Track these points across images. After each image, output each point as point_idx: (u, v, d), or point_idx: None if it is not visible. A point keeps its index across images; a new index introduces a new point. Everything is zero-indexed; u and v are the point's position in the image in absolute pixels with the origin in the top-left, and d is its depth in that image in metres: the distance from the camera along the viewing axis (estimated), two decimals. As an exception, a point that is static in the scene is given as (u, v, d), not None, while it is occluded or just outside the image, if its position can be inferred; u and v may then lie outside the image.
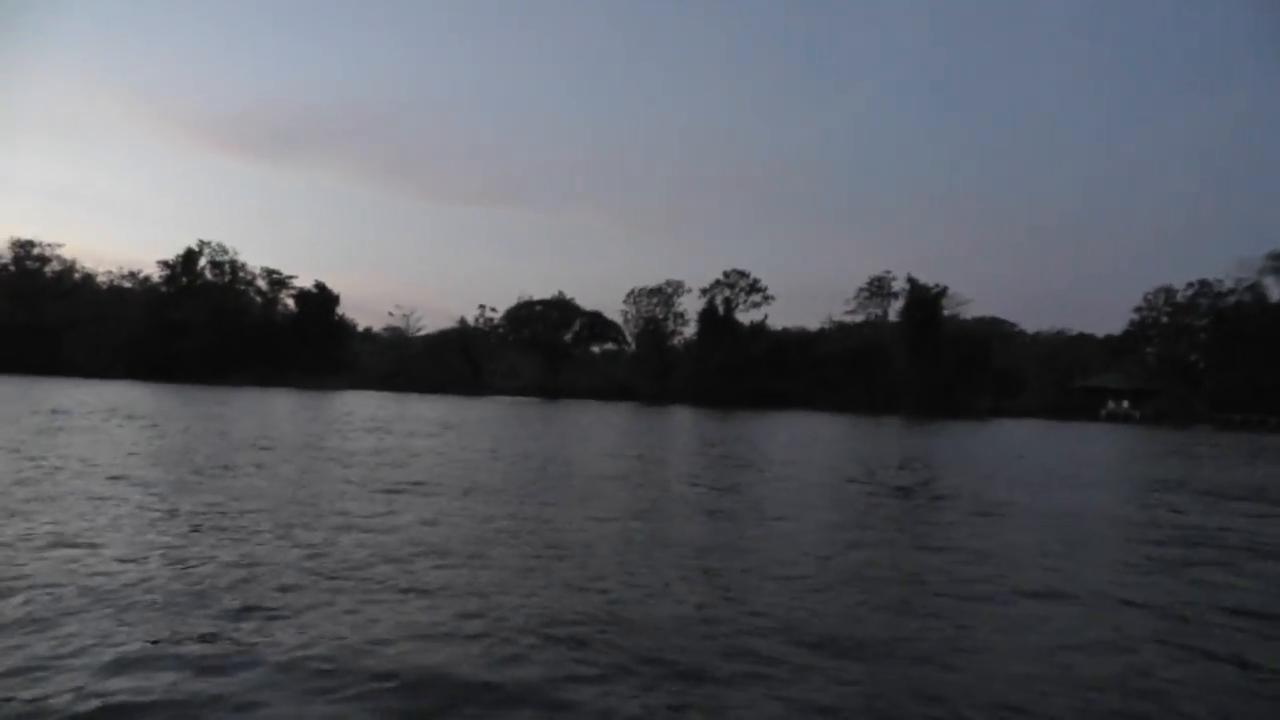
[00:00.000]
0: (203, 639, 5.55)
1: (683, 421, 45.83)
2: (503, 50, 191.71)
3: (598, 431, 31.96)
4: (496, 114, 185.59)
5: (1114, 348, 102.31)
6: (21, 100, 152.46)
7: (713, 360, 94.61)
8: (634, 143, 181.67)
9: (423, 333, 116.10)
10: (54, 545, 8.03)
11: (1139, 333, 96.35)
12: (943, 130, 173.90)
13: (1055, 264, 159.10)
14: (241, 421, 27.28)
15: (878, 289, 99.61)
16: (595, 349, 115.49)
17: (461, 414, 42.68)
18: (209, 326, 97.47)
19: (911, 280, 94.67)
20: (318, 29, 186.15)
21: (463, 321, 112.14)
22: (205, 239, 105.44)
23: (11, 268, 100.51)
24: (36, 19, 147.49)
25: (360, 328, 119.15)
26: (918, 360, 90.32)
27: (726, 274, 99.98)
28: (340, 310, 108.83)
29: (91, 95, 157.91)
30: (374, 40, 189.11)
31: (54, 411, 27.63)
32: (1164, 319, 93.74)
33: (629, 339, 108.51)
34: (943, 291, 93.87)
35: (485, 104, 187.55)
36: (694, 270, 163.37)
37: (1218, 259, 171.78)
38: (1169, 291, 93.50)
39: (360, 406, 45.61)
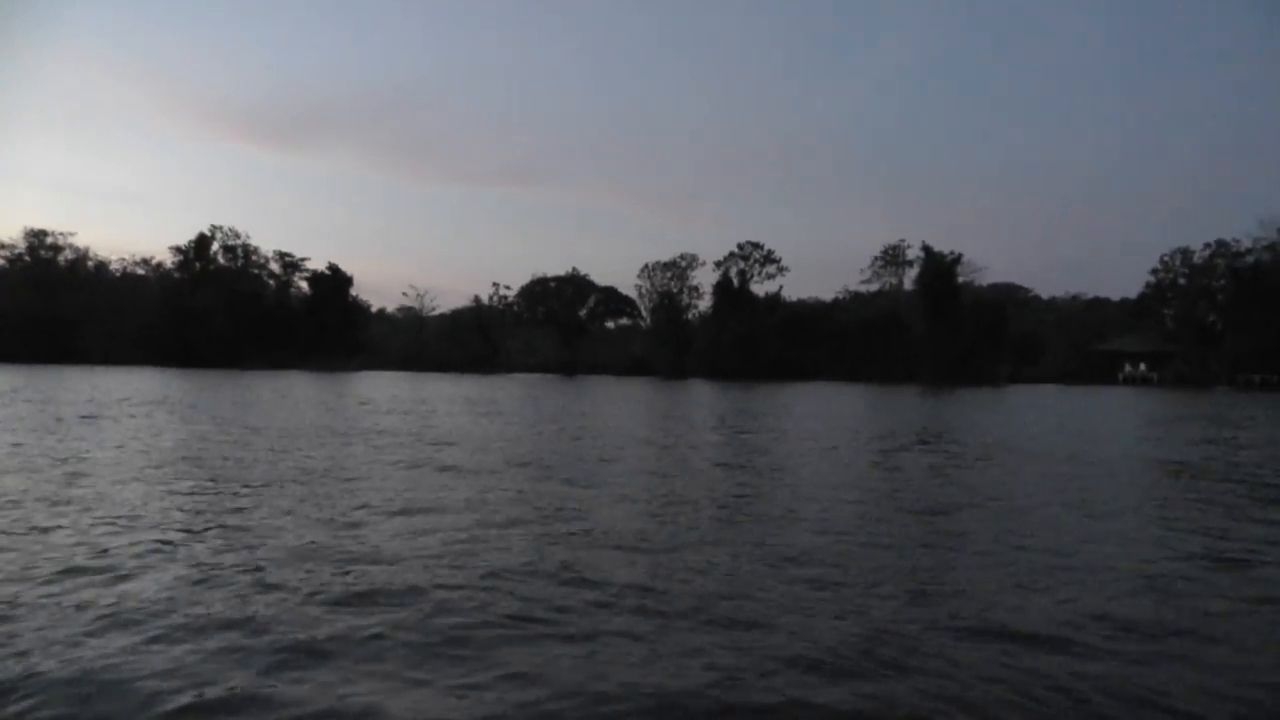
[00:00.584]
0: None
1: (711, 395, 45.91)
2: (514, 30, 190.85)
3: (656, 410, 31.97)
4: (508, 94, 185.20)
5: (1131, 311, 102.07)
6: (34, 90, 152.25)
7: (729, 333, 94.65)
8: (646, 119, 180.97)
9: (437, 313, 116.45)
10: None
11: (1156, 295, 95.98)
12: (954, 99, 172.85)
13: (1070, 229, 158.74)
14: (307, 409, 27.46)
15: (892, 258, 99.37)
16: (610, 324, 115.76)
17: (495, 392, 42.89)
18: (223, 312, 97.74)
19: (926, 248, 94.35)
20: (329, 14, 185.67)
21: (477, 300, 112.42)
22: (217, 224, 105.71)
23: (26, 257, 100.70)
24: (49, 7, 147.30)
25: (375, 309, 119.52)
26: (935, 328, 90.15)
27: (741, 246, 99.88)
28: (354, 292, 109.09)
29: (104, 83, 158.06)
30: (385, 23, 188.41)
31: (125, 400, 27.87)
32: (1181, 280, 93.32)
33: (644, 314, 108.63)
34: (958, 259, 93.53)
35: (497, 84, 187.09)
36: (708, 243, 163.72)
37: (1235, 221, 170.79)
38: (1186, 253, 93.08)
39: (398, 389, 45.59)
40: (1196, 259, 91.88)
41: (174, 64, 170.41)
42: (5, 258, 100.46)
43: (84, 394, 30.87)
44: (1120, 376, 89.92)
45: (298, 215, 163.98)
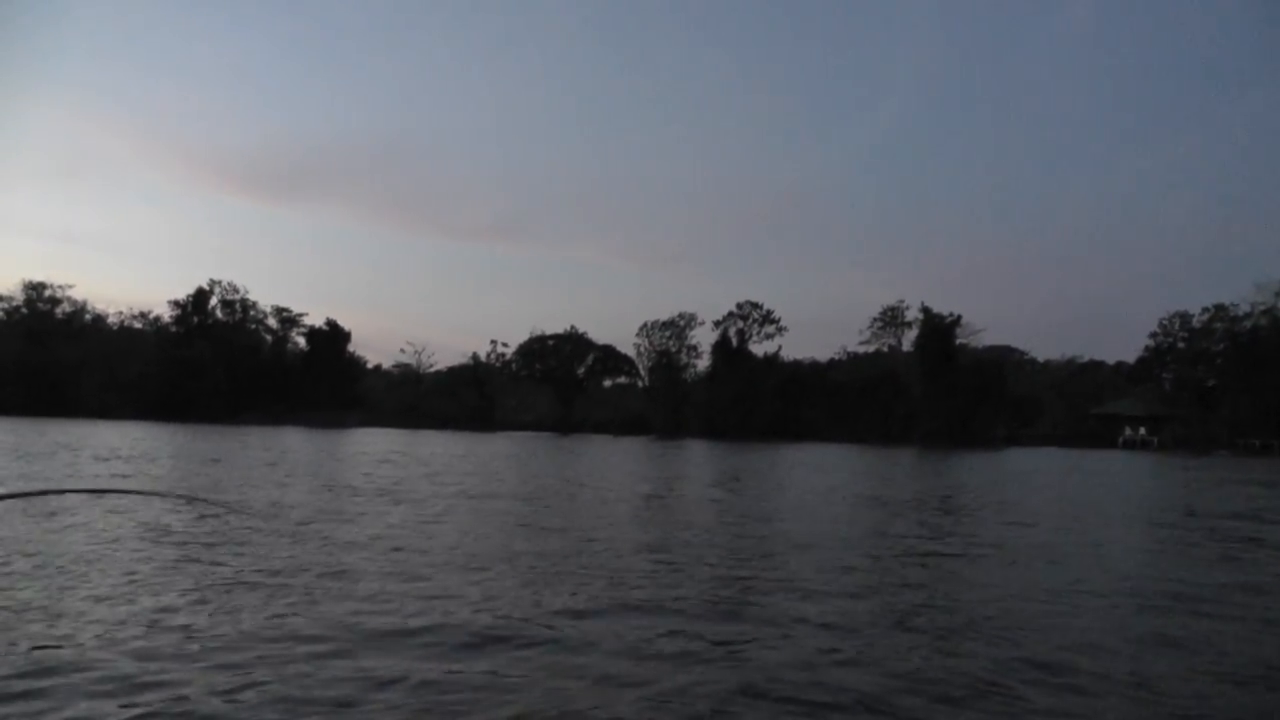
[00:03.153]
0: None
1: (709, 454, 45.33)
2: (508, 84, 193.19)
3: (662, 468, 31.45)
4: (504, 149, 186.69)
5: (1129, 374, 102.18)
6: (27, 141, 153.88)
7: (727, 392, 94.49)
8: (643, 175, 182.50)
9: (434, 369, 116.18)
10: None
11: (1154, 358, 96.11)
12: (952, 159, 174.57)
13: (1064, 292, 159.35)
14: (330, 463, 26.88)
15: (891, 318, 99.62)
16: (608, 383, 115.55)
17: (501, 449, 42.27)
18: (221, 366, 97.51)
19: (925, 309, 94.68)
20: (323, 68, 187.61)
21: (475, 357, 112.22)
22: (216, 278, 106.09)
23: (24, 310, 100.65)
24: (40, 60, 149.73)
25: (371, 365, 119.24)
26: (933, 389, 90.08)
27: (739, 305, 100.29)
28: (351, 347, 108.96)
29: (96, 135, 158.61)
30: (380, 77, 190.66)
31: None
32: (1180, 344, 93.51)
33: (642, 372, 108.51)
34: (956, 320, 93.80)
35: (492, 139, 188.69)
36: (706, 302, 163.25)
37: (1233, 283, 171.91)
38: (1184, 316, 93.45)
39: (411, 446, 44.88)
40: (1195, 323, 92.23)
41: (167, 116, 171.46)
42: (3, 309, 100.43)
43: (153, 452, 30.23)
44: (1120, 440, 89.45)
45: (292, 269, 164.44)
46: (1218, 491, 25.67)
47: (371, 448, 40.90)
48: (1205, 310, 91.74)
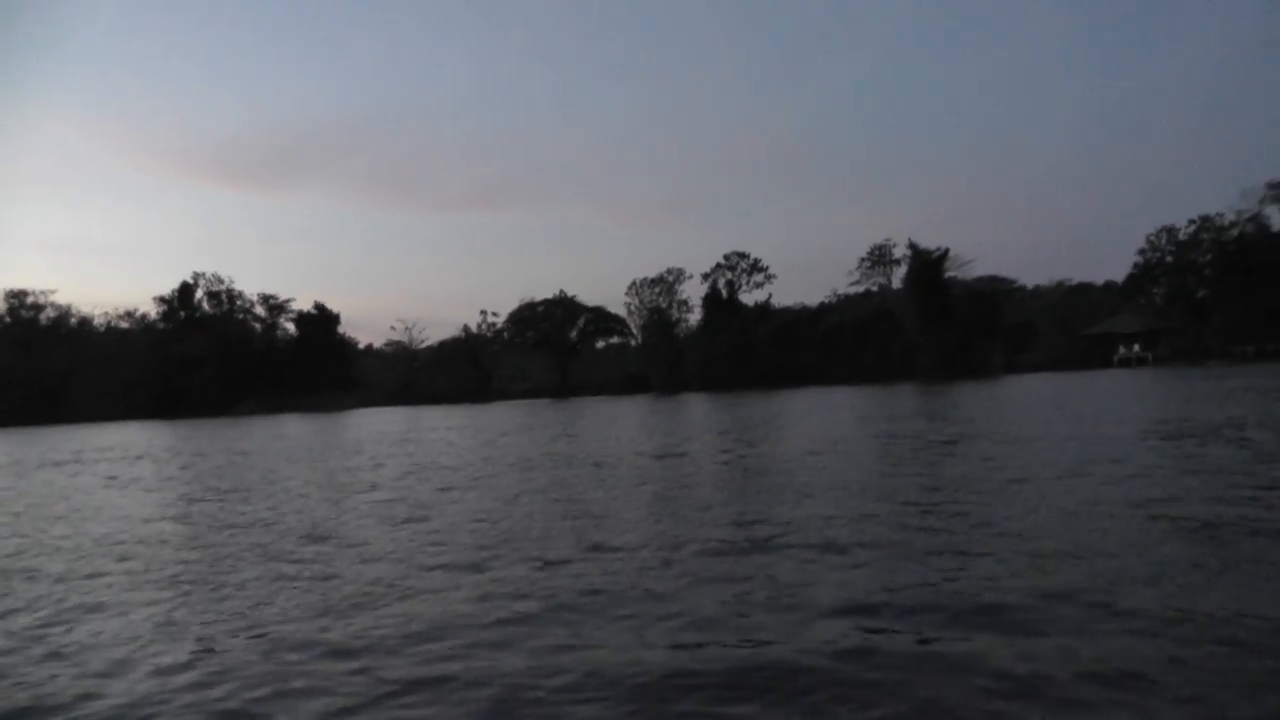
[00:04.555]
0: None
1: (721, 408, 45.31)
2: (479, 53, 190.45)
3: (691, 426, 31.33)
4: (479, 118, 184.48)
5: (1120, 292, 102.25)
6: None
7: (721, 344, 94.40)
8: (621, 133, 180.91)
9: (426, 344, 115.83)
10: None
11: (1144, 275, 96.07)
12: (929, 92, 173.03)
13: (1051, 216, 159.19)
14: (341, 452, 26.75)
15: (879, 257, 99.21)
16: (601, 344, 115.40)
17: (525, 418, 42.21)
18: (212, 358, 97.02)
19: (913, 245, 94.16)
20: (295, 50, 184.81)
21: (466, 329, 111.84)
22: (200, 271, 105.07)
23: (7, 319, 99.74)
24: (8, 62, 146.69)
25: (363, 345, 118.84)
26: (927, 324, 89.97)
27: (727, 256, 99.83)
28: (341, 329, 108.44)
29: (68, 136, 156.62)
30: (348, 55, 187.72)
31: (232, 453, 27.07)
32: (1168, 259, 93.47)
33: (635, 331, 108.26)
34: (945, 254, 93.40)
35: (469, 108, 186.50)
36: (694, 256, 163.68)
37: (1214, 195, 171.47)
38: (1171, 231, 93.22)
39: (414, 423, 44.65)
40: (1182, 236, 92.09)
41: (137, 111, 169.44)
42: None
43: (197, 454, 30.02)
44: (1115, 358, 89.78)
45: (276, 255, 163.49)
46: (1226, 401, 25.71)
47: (388, 428, 40.66)
48: (1191, 222, 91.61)
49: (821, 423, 25.90)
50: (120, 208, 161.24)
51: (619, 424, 32.17)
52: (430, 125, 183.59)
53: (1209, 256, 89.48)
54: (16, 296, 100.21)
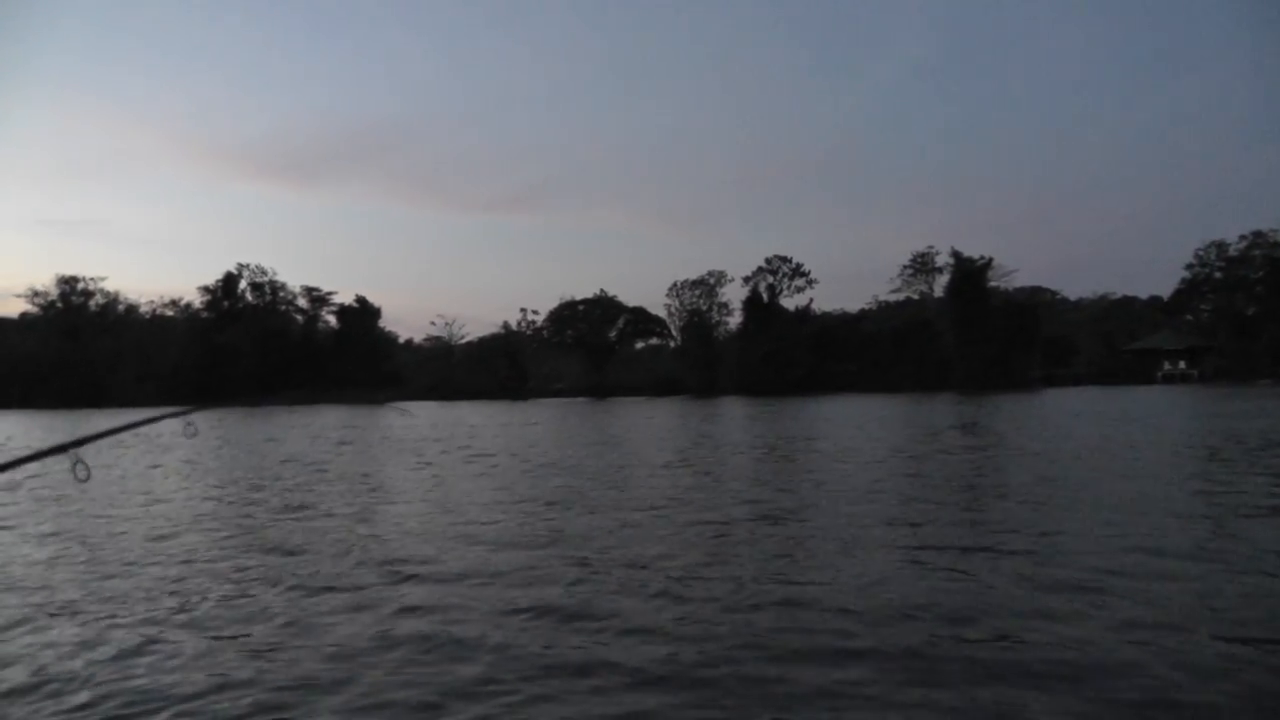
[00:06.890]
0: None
1: (761, 413, 45.29)
2: (526, 54, 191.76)
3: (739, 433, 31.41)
4: (524, 119, 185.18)
5: (1164, 307, 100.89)
6: (57, 140, 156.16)
7: (759, 348, 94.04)
8: (666, 137, 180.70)
9: (465, 340, 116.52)
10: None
11: (1191, 290, 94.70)
12: (975, 102, 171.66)
13: (1095, 228, 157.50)
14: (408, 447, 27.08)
15: (922, 265, 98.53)
16: (640, 345, 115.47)
17: (575, 418, 42.43)
18: (253, 348, 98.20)
19: (956, 254, 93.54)
20: (336, 48, 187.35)
21: (505, 326, 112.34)
22: (244, 262, 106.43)
23: (58, 304, 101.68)
24: (62, 57, 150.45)
25: (402, 340, 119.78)
26: (967, 334, 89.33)
27: (769, 260, 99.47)
28: (381, 324, 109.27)
29: (123, 130, 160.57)
30: (393, 53, 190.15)
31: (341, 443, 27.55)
32: (1217, 274, 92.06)
33: (674, 333, 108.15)
34: (988, 263, 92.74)
35: (512, 109, 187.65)
36: (735, 259, 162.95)
37: (1268, 210, 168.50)
38: (1221, 245, 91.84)
39: (487, 418, 44.60)
40: (1233, 251, 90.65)
41: (187, 107, 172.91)
42: (39, 305, 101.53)
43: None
44: (1159, 375, 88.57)
45: (320, 250, 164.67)
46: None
47: (442, 418, 41.04)
48: (1243, 238, 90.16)
49: (909, 434, 25.83)
50: (164, 199, 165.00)
51: (703, 426, 32.21)
52: (470, 126, 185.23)
53: (1260, 273, 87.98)
54: (68, 282, 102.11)
